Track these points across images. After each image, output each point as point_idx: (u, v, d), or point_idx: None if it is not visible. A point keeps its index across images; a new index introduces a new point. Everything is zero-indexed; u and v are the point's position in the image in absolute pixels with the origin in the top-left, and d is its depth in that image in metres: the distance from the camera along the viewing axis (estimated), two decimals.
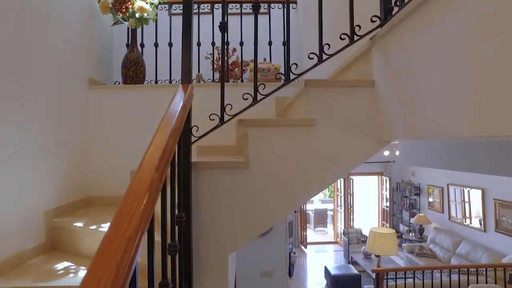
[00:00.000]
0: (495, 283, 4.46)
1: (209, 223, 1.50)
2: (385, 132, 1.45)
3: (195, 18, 2.93)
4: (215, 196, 1.50)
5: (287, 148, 1.53)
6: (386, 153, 6.33)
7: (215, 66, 3.27)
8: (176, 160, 1.31)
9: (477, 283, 4.36)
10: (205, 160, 1.52)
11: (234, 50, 3.26)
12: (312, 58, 1.50)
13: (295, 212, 9.28)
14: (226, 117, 1.58)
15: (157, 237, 1.05)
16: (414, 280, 4.68)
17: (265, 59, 2.90)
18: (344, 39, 1.49)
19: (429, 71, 1.09)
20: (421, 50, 1.12)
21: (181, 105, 1.25)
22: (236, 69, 3.24)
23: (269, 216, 1.52)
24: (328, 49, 1.50)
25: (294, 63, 1.53)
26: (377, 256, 5.10)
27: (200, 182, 1.49)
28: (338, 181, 10.13)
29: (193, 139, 1.52)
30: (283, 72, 1.58)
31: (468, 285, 4.29)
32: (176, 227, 1.27)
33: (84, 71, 2.53)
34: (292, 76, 1.58)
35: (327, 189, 14.84)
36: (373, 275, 4.64)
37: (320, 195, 15.01)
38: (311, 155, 1.53)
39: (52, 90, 2.11)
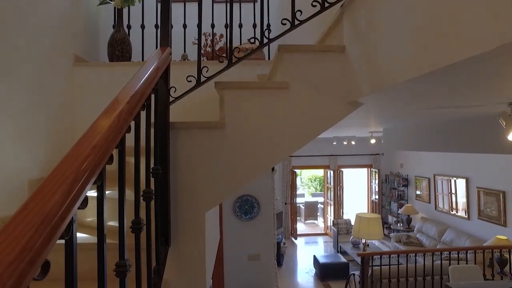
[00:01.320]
0: None
1: (186, 180, 1.56)
2: (354, 92, 1.53)
3: (181, 5, 2.98)
4: (193, 154, 1.57)
5: (261, 110, 1.60)
6: (373, 141, 6.46)
7: (202, 51, 3.33)
8: (153, 121, 1.37)
9: None
10: (183, 121, 1.58)
11: (222, 36, 3.33)
12: (285, 24, 1.58)
13: (285, 204, 9.38)
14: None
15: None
16: (398, 265, 4.80)
17: (249, 40, 2.96)
18: (315, 6, 1.57)
19: (384, 28, 1.17)
20: (379, 8, 1.20)
21: (156, 62, 1.31)
22: (224, 54, 3.32)
23: (243, 174, 1.59)
24: (300, 15, 1.57)
25: (267, 28, 1.60)
26: (364, 244, 5.22)
27: (178, 141, 1.56)
28: (329, 173, 10.24)
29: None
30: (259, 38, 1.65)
31: None
32: (152, 179, 1.34)
33: (69, 48, 2.57)
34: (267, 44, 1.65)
35: (318, 183, 14.98)
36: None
37: (311, 189, 15.16)
38: (284, 117, 1.60)
39: (35, 64, 2.15)
